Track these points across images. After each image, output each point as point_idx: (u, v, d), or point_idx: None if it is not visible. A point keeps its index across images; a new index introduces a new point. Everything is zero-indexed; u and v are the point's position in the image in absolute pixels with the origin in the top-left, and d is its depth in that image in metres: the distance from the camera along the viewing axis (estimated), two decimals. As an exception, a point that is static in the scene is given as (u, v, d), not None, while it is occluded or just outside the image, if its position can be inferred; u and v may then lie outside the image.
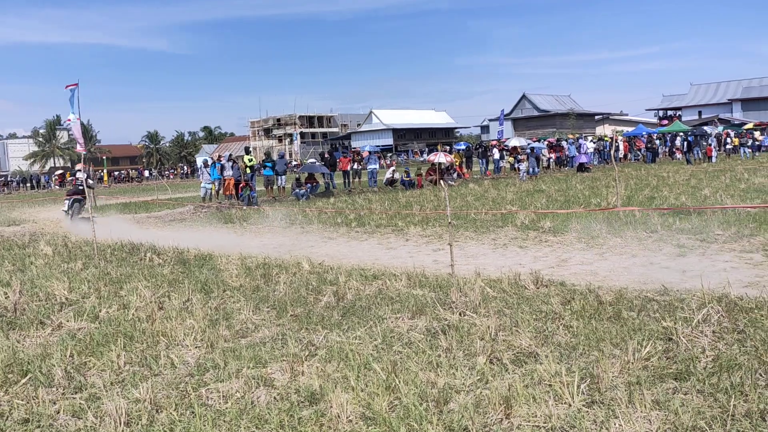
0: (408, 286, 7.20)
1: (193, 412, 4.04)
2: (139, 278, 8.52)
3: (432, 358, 4.75)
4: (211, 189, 24.88)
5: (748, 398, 3.71)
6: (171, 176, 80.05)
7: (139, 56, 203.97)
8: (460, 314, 5.87)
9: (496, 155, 35.81)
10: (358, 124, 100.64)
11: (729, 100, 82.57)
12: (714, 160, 34.99)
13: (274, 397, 4.25)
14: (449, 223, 8.17)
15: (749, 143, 40.09)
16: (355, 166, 29.74)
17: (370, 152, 32.49)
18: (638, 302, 5.97)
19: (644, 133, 46.32)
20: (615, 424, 3.53)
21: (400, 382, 4.24)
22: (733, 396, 3.71)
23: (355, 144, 78.11)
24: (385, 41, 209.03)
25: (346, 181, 29.22)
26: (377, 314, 6.10)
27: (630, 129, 59.70)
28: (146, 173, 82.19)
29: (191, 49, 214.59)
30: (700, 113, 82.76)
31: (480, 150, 37.60)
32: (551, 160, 36.67)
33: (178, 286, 7.87)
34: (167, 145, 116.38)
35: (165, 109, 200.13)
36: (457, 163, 31.79)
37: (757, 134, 45.56)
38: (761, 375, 4.05)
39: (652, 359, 4.42)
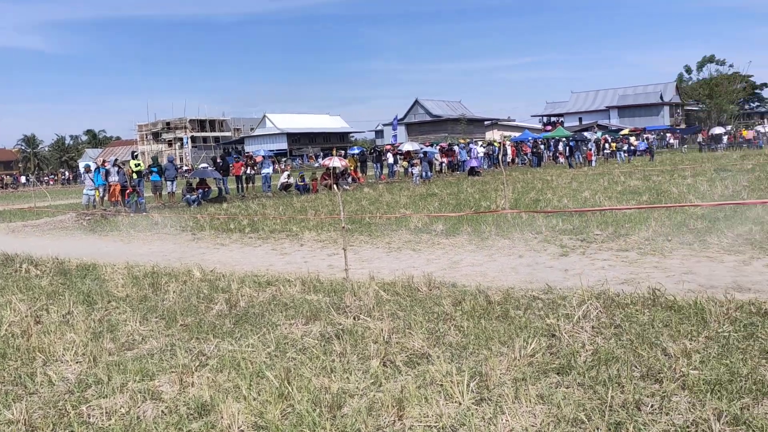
0: (302, 292, 7.14)
1: (72, 431, 3.82)
2: (13, 291, 7.98)
3: (326, 364, 4.73)
4: (95, 195, 23.66)
5: (625, 389, 3.92)
6: (51, 182, 75.77)
7: (11, 55, 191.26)
8: (354, 318, 5.89)
9: (390, 160, 36.30)
10: (252, 129, 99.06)
11: (606, 107, 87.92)
12: (594, 164, 36.99)
13: (162, 411, 4.09)
14: (343, 227, 8.18)
15: (625, 148, 42.78)
16: (249, 171, 29.20)
17: (264, 157, 32.13)
18: (524, 301, 6.20)
19: (530, 138, 48.49)
20: (502, 420, 3.64)
21: (293, 389, 4.20)
22: (611, 387, 3.92)
23: (249, 148, 76.93)
24: (277, 45, 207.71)
25: (240, 186, 28.67)
26: (271, 321, 6.01)
27: (517, 134, 62.35)
28: (23, 179, 77.19)
29: (72, 49, 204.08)
30: (580, 119, 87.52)
31: (374, 154, 37.93)
32: (443, 164, 37.62)
33: (58, 299, 7.44)
34: (46, 149, 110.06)
35: (44, 111, 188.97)
36: (352, 168, 32.00)
37: (632, 139, 48.70)
38: (636, 367, 4.30)
39: (537, 355, 4.60)
